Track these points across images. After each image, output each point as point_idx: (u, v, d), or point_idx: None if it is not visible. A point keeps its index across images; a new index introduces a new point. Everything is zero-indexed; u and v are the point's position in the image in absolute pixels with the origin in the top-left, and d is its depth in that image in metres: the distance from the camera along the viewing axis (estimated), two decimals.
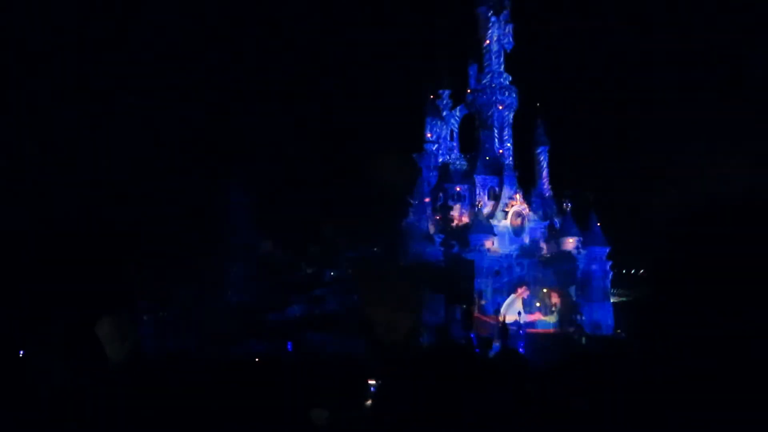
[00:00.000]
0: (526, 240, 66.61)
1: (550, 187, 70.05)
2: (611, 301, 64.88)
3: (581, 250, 64.56)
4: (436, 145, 71.96)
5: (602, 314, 63.73)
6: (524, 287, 63.35)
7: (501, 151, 68.80)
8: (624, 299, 65.26)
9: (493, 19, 69.68)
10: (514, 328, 60.49)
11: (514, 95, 69.64)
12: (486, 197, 67.25)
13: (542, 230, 67.50)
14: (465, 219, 66.66)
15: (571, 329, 62.18)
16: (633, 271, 65.72)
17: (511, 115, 69.95)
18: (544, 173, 70.37)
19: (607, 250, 64.94)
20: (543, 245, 66.79)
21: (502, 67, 70.17)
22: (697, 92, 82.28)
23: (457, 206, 67.27)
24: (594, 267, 64.48)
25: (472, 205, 66.81)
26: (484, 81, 69.91)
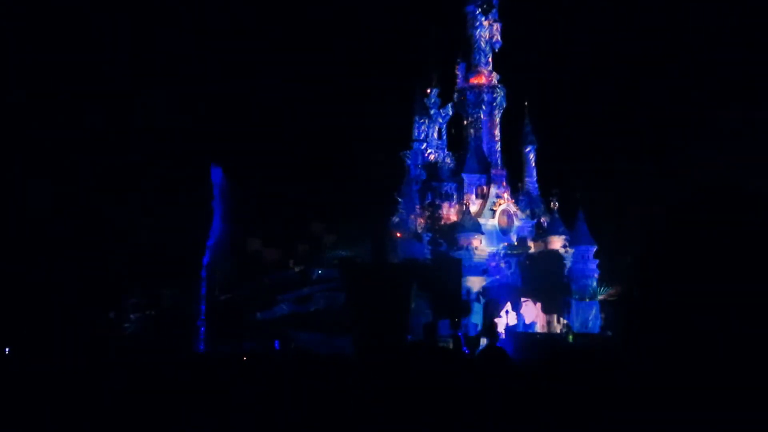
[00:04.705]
0: (514, 239, 66.79)
1: (537, 186, 70.25)
2: (598, 299, 65.14)
3: (569, 249, 64.81)
4: (424, 144, 71.99)
5: (589, 313, 63.99)
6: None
7: (489, 149, 68.94)
8: (611, 298, 65.53)
9: (481, 18, 69.76)
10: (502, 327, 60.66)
11: (503, 94, 69.78)
12: (474, 196, 67.38)
13: (530, 229, 67.71)
14: (453, 217, 66.74)
15: (558, 328, 62.44)
16: (620, 270, 65.97)
17: (500, 114, 70.09)
18: (532, 172, 70.56)
19: (594, 249, 65.20)
20: (530, 244, 67.00)
21: (491, 66, 70.30)
22: (686, 91, 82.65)
23: (445, 205, 67.32)
24: (581, 266, 64.72)
25: (459, 203, 66.91)
26: (472, 80, 70.01)
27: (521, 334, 58.90)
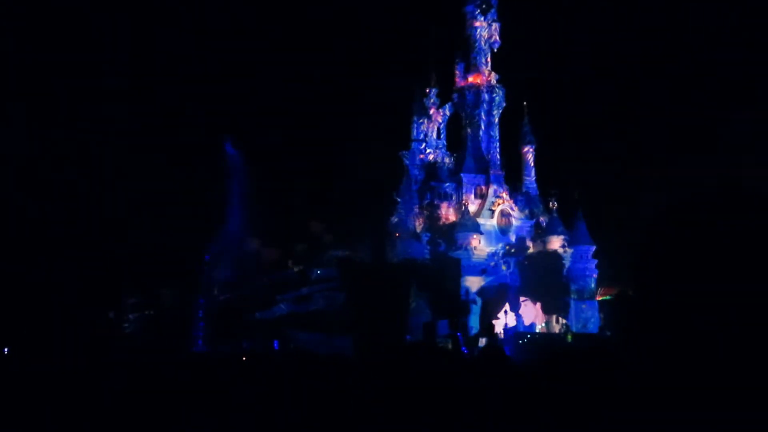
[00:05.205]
0: (513, 238, 66.82)
1: (536, 185, 70.30)
2: (597, 299, 65.18)
3: (567, 249, 64.82)
4: (423, 144, 72.06)
5: (588, 312, 64.02)
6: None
7: (488, 149, 68.99)
8: (609, 297, 65.56)
9: (480, 18, 69.87)
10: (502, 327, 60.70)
11: (501, 94, 69.85)
12: (473, 196, 67.44)
13: (528, 229, 67.75)
14: (452, 217, 66.82)
15: (557, 328, 62.50)
16: (619, 270, 66.01)
17: (498, 114, 70.16)
18: (531, 172, 70.61)
19: (593, 249, 65.20)
20: (529, 244, 67.05)
21: (490, 65, 70.37)
22: (686, 91, 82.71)
23: (444, 205, 67.43)
24: (580, 265, 64.73)
25: (458, 203, 66.96)
26: (471, 80, 70.08)
27: (520, 333, 58.95)
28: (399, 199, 67.51)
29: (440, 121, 73.23)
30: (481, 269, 63.68)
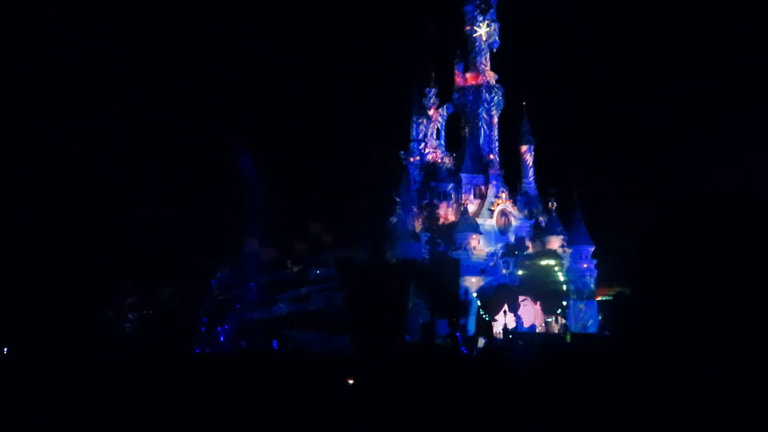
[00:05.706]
0: (512, 238, 66.70)
1: (536, 185, 70.19)
2: (596, 299, 65.11)
3: (566, 249, 64.73)
4: (422, 144, 71.94)
5: (587, 312, 63.95)
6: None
7: (487, 149, 68.92)
8: (609, 297, 65.53)
9: (479, 18, 69.80)
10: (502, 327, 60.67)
11: (501, 94, 69.74)
12: (472, 196, 67.32)
13: (528, 229, 67.63)
14: (451, 217, 66.71)
15: (556, 327, 62.43)
16: (618, 270, 66.00)
17: (498, 114, 70.06)
18: (530, 172, 70.49)
19: (592, 249, 65.13)
20: (528, 244, 66.93)
21: (489, 65, 70.30)
22: (685, 93, 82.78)
23: (443, 204, 67.32)
24: (579, 265, 64.65)
25: (458, 203, 66.85)
26: (470, 79, 69.99)
27: (519, 333, 58.93)
28: (398, 199, 67.39)
29: (439, 120, 73.07)
30: (480, 269, 63.56)
